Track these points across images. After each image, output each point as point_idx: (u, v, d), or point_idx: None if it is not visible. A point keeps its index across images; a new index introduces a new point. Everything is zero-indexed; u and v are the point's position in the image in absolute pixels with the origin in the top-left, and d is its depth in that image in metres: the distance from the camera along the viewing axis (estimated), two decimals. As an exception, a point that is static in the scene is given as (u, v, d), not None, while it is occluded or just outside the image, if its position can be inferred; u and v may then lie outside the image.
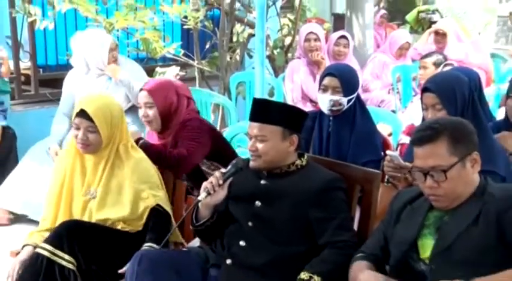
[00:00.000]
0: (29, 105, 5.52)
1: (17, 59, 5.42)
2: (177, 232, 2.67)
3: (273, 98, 5.26)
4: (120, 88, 4.05)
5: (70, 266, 2.46)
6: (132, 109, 4.02)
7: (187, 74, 6.27)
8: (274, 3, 6.16)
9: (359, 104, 3.12)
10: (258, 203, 2.38)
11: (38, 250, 2.48)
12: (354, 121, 3.06)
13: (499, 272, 1.82)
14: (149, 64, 5.79)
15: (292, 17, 6.45)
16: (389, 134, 3.96)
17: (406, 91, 5.58)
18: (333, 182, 2.37)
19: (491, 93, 4.79)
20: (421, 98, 2.66)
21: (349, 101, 3.05)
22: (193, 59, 5.60)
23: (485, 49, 6.18)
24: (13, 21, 5.23)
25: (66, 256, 2.46)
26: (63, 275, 2.45)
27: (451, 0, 12.15)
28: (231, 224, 2.44)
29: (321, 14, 9.74)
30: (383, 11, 7.96)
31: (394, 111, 5.05)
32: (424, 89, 2.64)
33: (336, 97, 3.02)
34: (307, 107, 4.62)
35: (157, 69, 5.49)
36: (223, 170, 2.42)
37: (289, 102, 4.83)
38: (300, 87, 4.91)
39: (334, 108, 3.04)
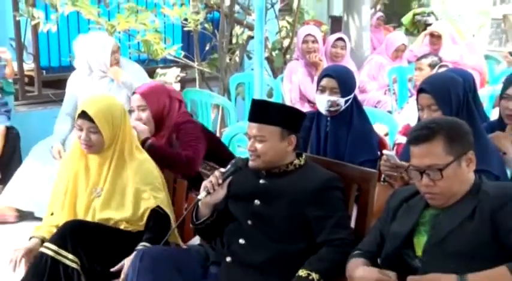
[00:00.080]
0: (32, 106, 5.53)
1: (20, 60, 5.43)
2: (176, 234, 2.66)
3: (272, 99, 5.27)
4: (122, 90, 4.05)
5: (74, 265, 2.46)
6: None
7: (187, 75, 6.28)
8: (272, 6, 6.17)
9: (356, 104, 3.11)
10: (257, 202, 2.38)
11: (43, 250, 2.48)
12: (351, 121, 3.05)
13: (490, 267, 1.81)
14: (150, 66, 5.79)
15: (290, 20, 6.45)
16: (386, 134, 3.96)
17: (402, 92, 5.58)
18: (330, 182, 2.37)
19: (485, 94, 4.79)
20: (417, 99, 2.66)
21: (346, 101, 3.04)
22: (193, 61, 5.61)
23: (479, 51, 6.18)
24: (17, 24, 5.25)
25: (70, 256, 2.46)
26: (67, 274, 2.44)
27: (446, 3, 12.16)
28: (231, 222, 2.44)
29: (318, 16, 9.74)
30: (380, 14, 7.96)
31: (390, 112, 5.05)
32: (420, 90, 2.64)
33: (334, 98, 3.02)
34: (305, 108, 4.61)
35: (158, 70, 5.50)
36: (222, 169, 2.41)
37: (288, 102, 4.82)
38: (298, 88, 4.90)
39: (331, 108, 3.04)
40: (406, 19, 9.73)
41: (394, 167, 2.49)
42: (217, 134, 5.12)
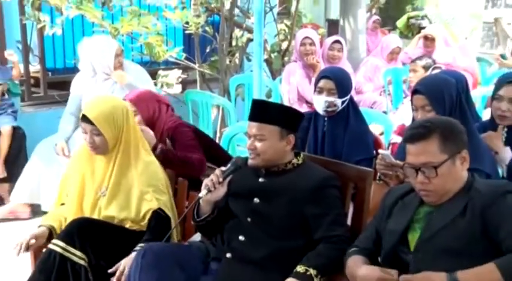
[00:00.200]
0: (38, 107, 5.52)
1: (27, 62, 5.43)
2: (175, 236, 2.66)
3: (270, 100, 5.26)
4: (125, 91, 4.04)
5: (81, 262, 2.46)
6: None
7: (188, 76, 6.27)
8: (271, 10, 6.17)
9: (352, 105, 3.12)
10: (256, 200, 2.38)
11: (51, 246, 2.48)
12: (348, 121, 3.06)
13: (481, 264, 1.81)
14: (152, 67, 5.78)
15: (288, 23, 6.44)
16: (381, 134, 3.96)
17: (397, 93, 5.58)
18: (327, 180, 2.37)
19: (477, 95, 4.79)
20: (411, 100, 2.66)
21: (343, 102, 3.04)
22: (194, 63, 5.60)
23: (471, 53, 6.19)
24: (23, 27, 5.24)
25: (78, 252, 2.46)
26: (74, 270, 2.44)
27: (440, 6, 12.15)
28: (231, 219, 2.43)
29: (316, 19, 9.73)
30: (376, 17, 7.94)
31: (385, 112, 5.05)
32: (414, 91, 2.64)
33: (331, 99, 3.02)
34: (303, 108, 4.61)
35: (160, 72, 5.49)
36: (223, 168, 2.41)
37: (286, 103, 4.82)
38: (296, 89, 4.90)
39: (329, 109, 3.03)
40: (400, 22, 9.74)
41: (389, 166, 2.49)
42: (218, 134, 5.13)
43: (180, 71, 5.63)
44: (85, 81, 4.12)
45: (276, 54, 6.18)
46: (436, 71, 4.17)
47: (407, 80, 5.19)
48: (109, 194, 2.63)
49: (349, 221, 2.49)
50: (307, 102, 4.81)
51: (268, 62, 6.11)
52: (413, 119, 2.64)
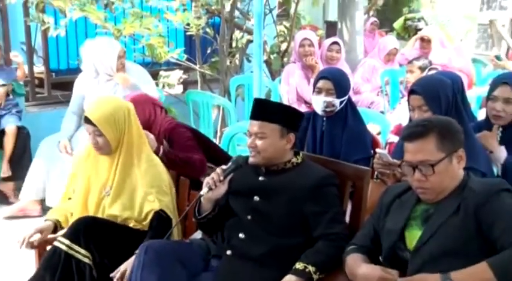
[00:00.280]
0: (42, 107, 5.52)
1: (31, 63, 5.43)
2: (175, 234, 2.65)
3: (270, 100, 5.26)
4: (128, 92, 4.04)
5: (86, 260, 2.45)
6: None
7: (189, 77, 6.28)
8: (271, 12, 6.17)
9: (350, 105, 3.11)
10: (256, 198, 2.38)
11: (56, 244, 2.47)
12: (346, 121, 3.05)
13: (476, 263, 1.81)
14: (154, 68, 5.78)
15: (287, 25, 6.45)
16: (378, 133, 3.96)
17: (394, 93, 5.58)
18: (326, 179, 2.37)
19: (472, 95, 4.79)
20: (408, 100, 2.65)
21: (341, 102, 3.04)
22: (195, 64, 5.60)
23: (467, 54, 6.19)
24: (28, 29, 5.25)
25: (83, 251, 2.45)
26: (79, 268, 2.44)
27: (436, 9, 12.15)
28: (231, 217, 2.43)
29: (314, 21, 9.74)
30: (373, 19, 7.94)
31: (382, 112, 5.05)
32: (411, 92, 2.64)
33: (329, 99, 3.02)
34: (302, 108, 4.59)
35: (162, 73, 5.49)
36: (224, 166, 2.41)
37: (285, 103, 4.81)
38: (295, 89, 4.90)
39: (327, 109, 3.03)
40: (397, 24, 9.74)
41: (386, 165, 2.49)
42: (218, 133, 5.13)
43: (181, 71, 5.64)
44: (88, 82, 4.11)
45: (275, 55, 6.19)
46: (432, 71, 4.17)
47: (404, 80, 5.20)
48: (113, 193, 2.63)
49: (347, 219, 2.49)
50: (306, 102, 4.80)
51: (267, 63, 6.11)
52: (410, 119, 2.63)
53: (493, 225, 1.84)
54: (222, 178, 2.36)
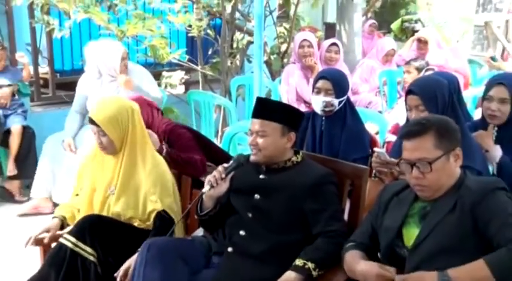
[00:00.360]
0: (47, 107, 5.52)
1: (36, 64, 5.43)
2: (177, 232, 2.65)
3: (270, 100, 5.25)
4: (130, 94, 4.03)
5: (91, 258, 2.45)
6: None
7: (191, 78, 6.28)
8: (271, 13, 6.17)
9: (349, 105, 3.11)
10: (257, 196, 2.38)
11: (62, 241, 2.47)
12: (345, 121, 3.05)
13: (473, 260, 1.81)
14: (156, 69, 5.79)
15: (287, 26, 6.45)
16: (376, 133, 3.96)
17: (392, 94, 5.58)
18: (325, 177, 2.37)
19: (468, 95, 4.79)
20: (405, 100, 2.65)
21: (340, 102, 3.04)
22: (196, 64, 5.60)
23: (463, 55, 6.18)
24: (33, 30, 5.25)
25: (88, 249, 2.45)
26: (84, 266, 2.44)
27: (432, 11, 12.13)
28: (232, 215, 2.43)
29: (313, 23, 9.72)
30: (372, 21, 7.93)
31: (380, 112, 5.05)
32: (408, 92, 2.64)
33: (329, 99, 3.02)
34: (301, 108, 4.58)
35: (164, 73, 5.49)
36: (225, 165, 2.41)
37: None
38: (294, 89, 4.89)
39: (326, 109, 3.03)
40: (395, 26, 9.72)
41: (384, 164, 2.49)
42: (219, 133, 5.13)
43: (183, 72, 5.64)
44: (91, 82, 4.11)
45: (275, 56, 6.19)
46: (429, 72, 4.17)
47: (401, 81, 5.19)
48: (117, 192, 2.63)
49: (345, 217, 2.49)
50: (305, 102, 4.80)
51: (268, 63, 6.11)
52: (407, 119, 2.64)
53: (489, 223, 1.84)
54: (223, 176, 2.36)
